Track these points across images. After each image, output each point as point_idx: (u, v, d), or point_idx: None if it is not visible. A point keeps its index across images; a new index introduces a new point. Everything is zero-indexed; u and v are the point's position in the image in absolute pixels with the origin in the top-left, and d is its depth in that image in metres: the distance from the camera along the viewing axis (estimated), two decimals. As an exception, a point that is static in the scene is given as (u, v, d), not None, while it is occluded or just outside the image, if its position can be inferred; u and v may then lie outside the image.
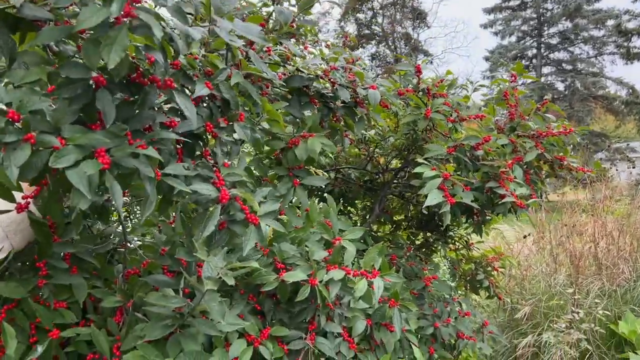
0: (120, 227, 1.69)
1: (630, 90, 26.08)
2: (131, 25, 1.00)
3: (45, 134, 0.98)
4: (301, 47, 2.31)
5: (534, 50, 29.21)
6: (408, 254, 2.73)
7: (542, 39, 29.00)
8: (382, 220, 3.27)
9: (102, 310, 1.48)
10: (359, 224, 3.13)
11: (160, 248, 1.57)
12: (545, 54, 29.08)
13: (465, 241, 3.33)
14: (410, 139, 2.52)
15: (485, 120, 2.35)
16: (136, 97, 1.21)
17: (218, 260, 1.23)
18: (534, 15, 29.00)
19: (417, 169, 2.02)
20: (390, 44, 28.66)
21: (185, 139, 1.30)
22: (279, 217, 1.79)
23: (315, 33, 3.64)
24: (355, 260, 1.87)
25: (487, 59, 29.70)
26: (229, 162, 1.43)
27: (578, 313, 3.73)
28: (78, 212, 1.14)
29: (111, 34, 0.97)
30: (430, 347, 2.37)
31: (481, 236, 2.62)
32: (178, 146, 1.34)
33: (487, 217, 2.57)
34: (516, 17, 29.34)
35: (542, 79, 26.87)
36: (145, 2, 1.23)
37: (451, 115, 2.21)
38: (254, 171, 1.92)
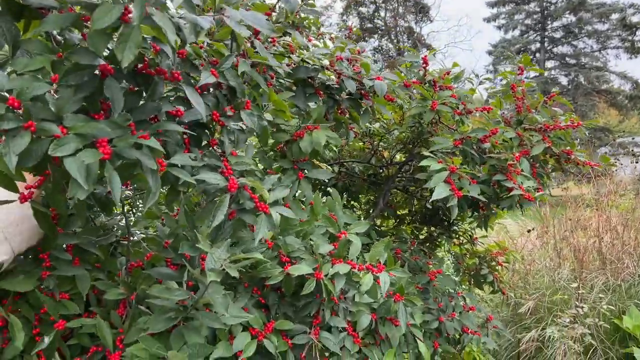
0: (124, 220, 1.68)
1: (634, 85, 25.96)
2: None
3: (46, 122, 0.96)
4: (305, 39, 2.28)
5: (538, 44, 29.07)
6: (412, 248, 2.71)
7: (546, 33, 28.84)
8: (386, 214, 3.25)
9: (105, 302, 1.47)
10: (362, 219, 3.11)
11: (163, 241, 1.55)
12: (548, 48, 28.93)
13: (470, 236, 3.31)
14: (416, 132, 2.50)
15: (492, 113, 2.32)
16: (142, 87, 1.19)
17: (221, 252, 1.21)
18: (538, 9, 28.83)
19: (424, 162, 2.00)
20: (393, 37, 28.54)
21: (192, 129, 1.28)
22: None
23: (319, 25, 3.61)
24: (360, 254, 1.85)
25: (490, 52, 29.58)
26: (237, 151, 1.41)
27: (582, 308, 3.71)
28: (77, 203, 1.11)
29: (124, 31, 0.95)
30: (434, 341, 2.35)
31: (486, 230, 2.60)
32: (185, 136, 1.32)
33: (492, 212, 2.55)
34: (520, 10, 29.17)
35: (546, 73, 26.73)
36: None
37: (458, 108, 2.18)
38: (259, 164, 1.90)
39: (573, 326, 3.64)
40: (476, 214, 2.51)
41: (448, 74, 2.27)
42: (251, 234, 1.58)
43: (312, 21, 2.93)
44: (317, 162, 1.96)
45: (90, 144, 0.98)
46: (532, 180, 2.08)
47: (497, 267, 3.20)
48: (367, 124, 2.71)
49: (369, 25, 28.49)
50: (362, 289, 1.62)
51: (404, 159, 2.89)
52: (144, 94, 1.20)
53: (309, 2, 2.02)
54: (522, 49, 28.71)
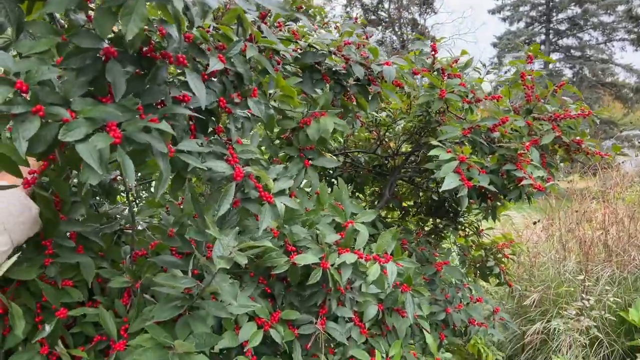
0: (128, 208, 1.65)
1: (640, 77, 25.79)
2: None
3: (54, 106, 0.94)
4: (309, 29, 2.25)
5: (543, 37, 28.84)
6: (418, 239, 2.68)
7: (551, 25, 28.62)
8: (391, 206, 3.22)
9: (109, 291, 1.45)
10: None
11: (168, 229, 1.53)
12: (553, 40, 28.71)
13: (476, 227, 3.28)
14: (423, 121, 2.46)
15: (501, 102, 2.28)
16: (147, 71, 1.16)
17: (229, 240, 1.18)
18: (543, 1, 28.57)
19: (433, 152, 1.97)
20: (397, 29, 28.36)
21: (198, 115, 1.25)
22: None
23: (325, 14, 3.57)
24: (367, 244, 1.83)
25: (494, 45, 29.38)
26: (242, 139, 1.39)
27: (588, 300, 3.69)
28: (88, 189, 1.09)
29: (129, 2, 0.92)
30: (440, 333, 2.33)
31: (494, 221, 2.57)
32: (191, 122, 1.30)
33: (498, 203, 2.52)
34: (525, 2, 28.91)
35: (550, 66, 26.53)
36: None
37: (467, 96, 2.15)
38: (265, 152, 1.87)
39: (579, 318, 3.62)
40: (484, 205, 2.48)
41: (457, 61, 2.23)
42: (256, 223, 1.56)
43: (317, 10, 2.89)
44: (323, 152, 1.94)
45: (100, 128, 0.96)
46: (542, 170, 2.05)
47: (503, 259, 3.17)
48: (374, 113, 2.67)
49: (373, 17, 28.28)
50: (369, 279, 1.60)
51: (410, 150, 2.86)
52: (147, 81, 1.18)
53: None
54: (527, 41, 28.47)
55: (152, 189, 2.49)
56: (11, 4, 1.00)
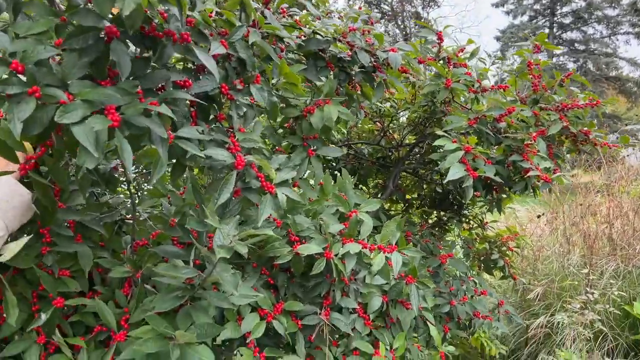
0: (129, 198, 1.63)
1: (644, 71, 25.61)
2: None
3: (51, 88, 0.92)
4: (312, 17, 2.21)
5: (546, 30, 28.61)
6: (422, 231, 2.66)
7: (555, 18, 28.39)
8: (395, 198, 3.19)
9: (109, 281, 1.43)
10: (371, 201, 3.04)
11: (169, 219, 1.50)
12: (557, 33, 28.49)
13: (480, 220, 3.25)
14: (428, 111, 2.42)
15: (507, 92, 2.24)
16: (150, 53, 1.13)
17: (230, 229, 1.16)
18: (547, -6, 28.36)
19: (438, 142, 1.93)
20: (400, 23, 28.19)
21: (200, 101, 1.22)
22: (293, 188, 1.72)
23: (327, 3, 3.52)
24: (371, 235, 1.80)
25: (498, 38, 29.18)
26: (245, 128, 1.36)
27: (593, 294, 3.66)
28: (82, 176, 1.06)
29: None
30: (444, 325, 2.31)
31: (500, 213, 2.54)
32: (192, 109, 1.27)
33: (504, 195, 2.49)
34: (529, -5, 28.70)
35: (554, 59, 26.37)
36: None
37: (473, 86, 2.11)
38: (267, 142, 1.84)
39: (583, 312, 3.60)
40: (488, 197, 2.45)
41: (462, 51, 2.19)
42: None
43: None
44: (326, 142, 1.91)
45: (98, 112, 0.93)
46: (549, 161, 2.01)
47: (507, 252, 3.15)
48: (378, 103, 2.64)
49: (375, 10, 28.12)
50: (374, 269, 1.57)
51: (414, 141, 2.82)
52: (152, 63, 1.15)
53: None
54: (531, 34, 28.26)
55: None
56: (7, -16, 0.98)
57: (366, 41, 1.78)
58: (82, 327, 1.34)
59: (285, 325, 1.52)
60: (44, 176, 1.15)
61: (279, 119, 1.82)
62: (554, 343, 3.70)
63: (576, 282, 4.09)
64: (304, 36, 1.72)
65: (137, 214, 1.58)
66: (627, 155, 5.86)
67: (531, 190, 2.20)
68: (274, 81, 1.58)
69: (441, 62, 2.12)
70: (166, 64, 1.13)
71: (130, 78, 1.09)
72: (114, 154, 1.44)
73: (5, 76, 0.86)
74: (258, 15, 1.38)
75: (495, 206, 2.45)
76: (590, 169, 5.70)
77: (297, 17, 1.84)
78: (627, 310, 3.79)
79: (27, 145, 1.09)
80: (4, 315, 1.04)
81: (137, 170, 2.37)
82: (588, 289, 3.81)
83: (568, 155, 2.44)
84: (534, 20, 28.84)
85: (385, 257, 1.60)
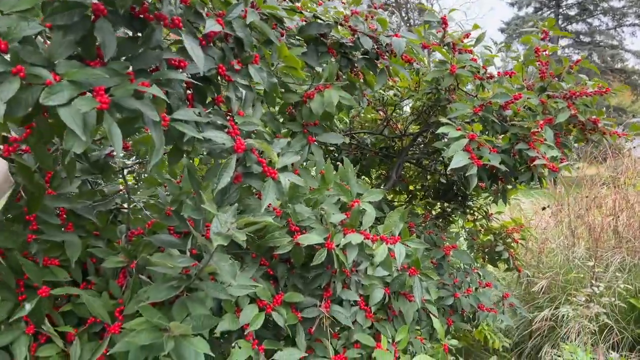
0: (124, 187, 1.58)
1: (650, 64, 25.35)
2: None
3: (36, 67, 0.87)
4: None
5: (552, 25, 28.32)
6: (426, 222, 2.61)
7: (560, 10, 28.12)
8: (398, 189, 3.14)
9: (104, 272, 1.39)
10: (373, 192, 2.99)
11: (166, 208, 1.46)
12: (563, 25, 28.21)
13: (484, 211, 3.20)
14: (432, 99, 2.37)
15: (514, 78, 2.18)
16: (140, 34, 1.08)
17: (228, 217, 1.11)
18: (553, -15, 28.08)
19: (442, 129, 1.88)
20: (404, 14, 27.98)
21: (196, 82, 1.17)
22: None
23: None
24: (373, 226, 1.76)
25: (502, 30, 28.95)
26: (244, 111, 1.31)
27: (598, 287, 3.61)
28: (69, 161, 1.02)
29: None
30: (448, 318, 2.27)
31: (505, 204, 2.49)
32: (188, 91, 1.22)
33: (509, 186, 2.43)
34: (534, -14, 28.42)
35: (559, 52, 26.13)
36: None
37: (479, 72, 2.05)
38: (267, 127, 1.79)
39: (588, 305, 3.55)
40: (494, 187, 2.40)
41: (468, 36, 2.13)
42: (258, 202, 1.48)
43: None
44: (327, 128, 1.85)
45: (85, 93, 0.88)
46: (556, 150, 1.96)
47: (512, 244, 3.10)
48: (381, 91, 2.58)
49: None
50: (376, 261, 1.53)
51: (418, 130, 2.77)
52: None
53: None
54: (536, 30, 28.00)
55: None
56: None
57: (369, 27, 1.72)
58: (75, 318, 1.30)
59: (285, 317, 1.48)
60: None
61: (278, 106, 1.77)
62: (558, 336, 3.66)
63: (581, 275, 4.04)
64: (305, 21, 1.66)
65: (132, 202, 1.54)
66: (633, 147, 5.78)
67: (537, 181, 2.15)
68: (273, 68, 1.53)
69: (446, 47, 2.06)
70: (160, 45, 1.08)
71: (123, 59, 1.04)
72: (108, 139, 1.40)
73: None
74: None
75: (501, 197, 2.40)
76: (595, 161, 5.64)
77: (299, 4, 1.78)
78: (632, 303, 3.75)
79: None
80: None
81: (138, 160, 2.32)
82: (593, 282, 3.76)
83: (576, 145, 2.38)
84: (539, 12, 28.57)
85: (388, 248, 1.56)
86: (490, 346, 3.61)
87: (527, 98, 2.03)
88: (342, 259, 1.49)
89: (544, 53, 2.17)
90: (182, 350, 1.09)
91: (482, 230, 3.16)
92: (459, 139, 1.85)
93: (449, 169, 1.81)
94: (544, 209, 4.97)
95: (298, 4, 1.78)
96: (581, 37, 27.85)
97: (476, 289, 2.35)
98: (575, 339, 3.45)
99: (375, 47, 1.76)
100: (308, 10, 1.69)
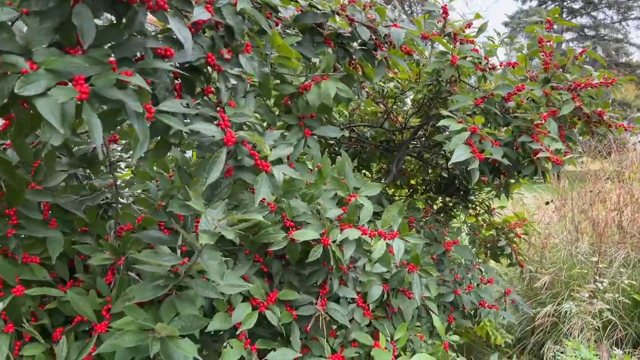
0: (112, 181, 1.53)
1: (655, 58, 25.16)
2: None
3: (11, 55, 0.82)
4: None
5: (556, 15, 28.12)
6: (426, 217, 2.56)
7: (565, 3, 27.90)
8: (399, 183, 3.09)
9: (92, 269, 1.34)
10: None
11: (156, 202, 1.41)
12: (567, 19, 28.00)
13: (487, 206, 3.15)
14: (433, 91, 2.31)
15: (517, 69, 2.12)
16: (122, 20, 1.03)
17: (217, 213, 1.06)
18: (557, -22, 27.84)
19: (442, 122, 1.83)
20: (407, 8, 27.80)
21: (184, 73, 1.12)
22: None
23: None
24: (371, 220, 1.71)
25: (506, 24, 28.75)
26: (235, 102, 1.26)
27: (602, 282, 3.56)
28: (47, 152, 0.97)
29: None
30: (449, 315, 2.22)
31: (508, 198, 2.43)
32: (176, 81, 1.17)
33: (512, 180, 2.38)
34: (538, -20, 28.20)
35: (563, 45, 25.94)
36: None
37: (480, 63, 1.99)
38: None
39: (591, 301, 3.50)
40: (496, 181, 2.34)
41: (469, 26, 2.07)
42: (252, 197, 1.44)
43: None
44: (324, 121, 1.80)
45: (64, 83, 0.84)
46: (560, 143, 1.90)
47: (515, 239, 3.05)
48: (381, 83, 2.52)
49: (382, -5, 27.68)
50: (374, 257, 1.48)
51: (419, 123, 2.71)
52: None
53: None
54: (540, 20, 27.80)
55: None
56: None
57: (367, 17, 1.66)
58: (62, 316, 1.26)
59: (279, 316, 1.44)
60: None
61: (273, 97, 1.72)
62: (561, 332, 3.62)
63: (585, 271, 3.99)
64: (301, 10, 1.60)
65: (122, 196, 1.49)
66: (638, 142, 5.72)
67: (541, 175, 2.09)
68: (267, 52, 1.47)
69: (446, 37, 2.00)
70: (143, 31, 1.03)
71: (106, 46, 0.99)
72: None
73: None
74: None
75: (503, 191, 2.34)
76: (599, 155, 5.57)
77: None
78: (637, 299, 3.70)
79: None
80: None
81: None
82: (597, 278, 3.71)
83: (580, 138, 2.32)
84: (544, 5, 28.34)
85: (387, 243, 1.51)
86: (492, 342, 3.58)
87: (531, 89, 1.97)
88: (339, 255, 1.45)
89: (548, 43, 2.10)
90: (168, 352, 1.05)
91: (485, 225, 3.11)
92: (461, 132, 1.79)
93: (450, 162, 1.76)
94: (547, 203, 4.91)
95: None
96: (585, 30, 27.63)
97: (478, 285, 2.30)
98: (578, 336, 3.41)
99: (374, 37, 1.70)
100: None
